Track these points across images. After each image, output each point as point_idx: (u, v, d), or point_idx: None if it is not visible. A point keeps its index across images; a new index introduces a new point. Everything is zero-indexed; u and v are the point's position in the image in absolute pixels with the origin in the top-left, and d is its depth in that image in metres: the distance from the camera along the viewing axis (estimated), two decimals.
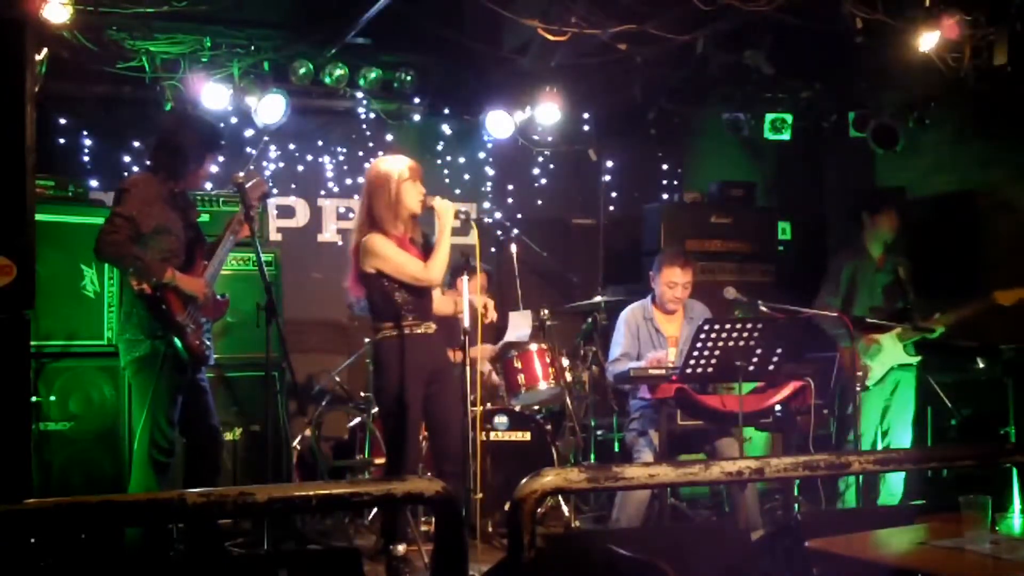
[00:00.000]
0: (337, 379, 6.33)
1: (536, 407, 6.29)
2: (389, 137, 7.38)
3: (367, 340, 6.02)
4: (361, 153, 7.41)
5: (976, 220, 7.10)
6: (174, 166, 4.77)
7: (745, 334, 5.06)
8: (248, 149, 7.00)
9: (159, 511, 2.10)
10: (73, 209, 5.51)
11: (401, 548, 4.80)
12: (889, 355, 5.91)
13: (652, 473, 2.29)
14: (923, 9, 5.37)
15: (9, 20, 3.31)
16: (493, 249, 7.62)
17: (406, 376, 4.70)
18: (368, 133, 7.37)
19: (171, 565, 4.34)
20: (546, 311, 6.31)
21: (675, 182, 8.14)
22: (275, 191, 7.11)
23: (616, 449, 6.56)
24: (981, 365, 6.30)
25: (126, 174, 6.34)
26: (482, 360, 6.23)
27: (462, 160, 7.63)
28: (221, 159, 4.95)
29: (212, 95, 6.34)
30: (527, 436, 5.95)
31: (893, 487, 6.00)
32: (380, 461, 5.74)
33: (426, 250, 4.84)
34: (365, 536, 5.80)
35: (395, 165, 4.81)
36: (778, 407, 5.42)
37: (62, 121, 6.55)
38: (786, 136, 7.71)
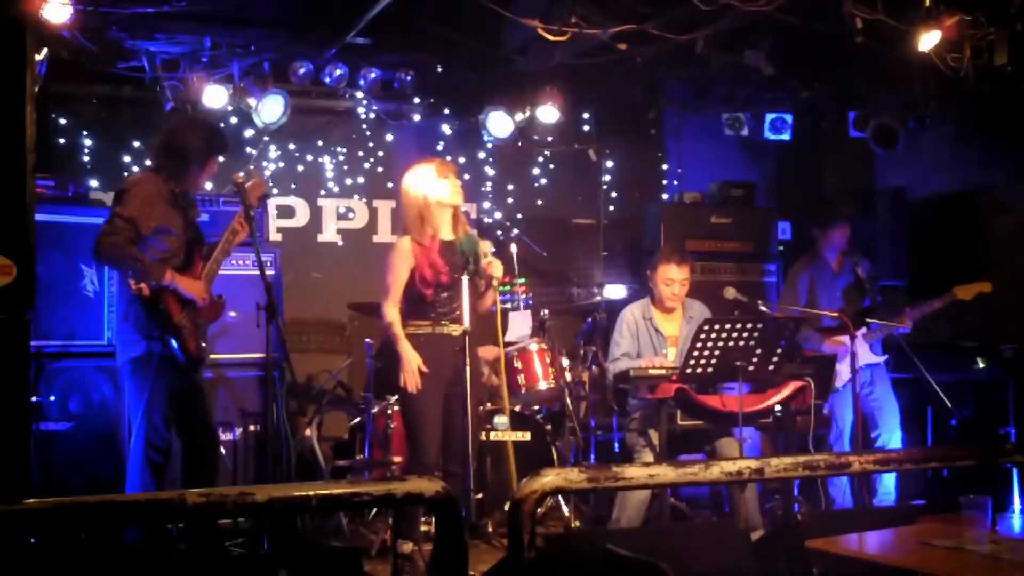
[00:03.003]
0: (337, 379, 6.33)
1: (536, 407, 6.29)
2: (389, 137, 7.38)
3: (367, 340, 6.03)
4: (361, 153, 7.41)
5: (976, 220, 7.10)
6: (176, 167, 4.77)
7: (745, 334, 5.06)
8: (248, 149, 7.00)
9: (159, 511, 2.10)
10: (73, 209, 5.51)
11: (408, 547, 4.81)
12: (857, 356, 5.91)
13: (652, 473, 2.29)
14: (923, 9, 5.37)
15: (9, 20, 3.30)
16: (493, 249, 7.61)
17: (428, 374, 4.76)
18: (368, 133, 7.37)
19: (171, 565, 4.34)
20: (546, 311, 6.31)
21: (675, 182, 8.14)
22: (275, 191, 7.11)
23: (616, 449, 6.56)
24: (981, 365, 6.31)
25: (126, 174, 6.35)
26: (486, 361, 6.24)
27: (462, 160, 7.62)
28: (222, 159, 4.95)
29: (212, 95, 6.34)
30: (527, 436, 5.95)
31: (888, 486, 6.02)
32: (398, 459, 5.76)
33: (453, 260, 4.83)
34: (365, 536, 5.80)
35: (424, 167, 4.89)
36: (778, 407, 5.42)
37: (62, 121, 6.55)
38: (786, 136, 7.73)
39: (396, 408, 5.95)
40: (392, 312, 4.83)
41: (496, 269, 4.78)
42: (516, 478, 5.75)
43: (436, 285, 4.81)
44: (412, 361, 4.76)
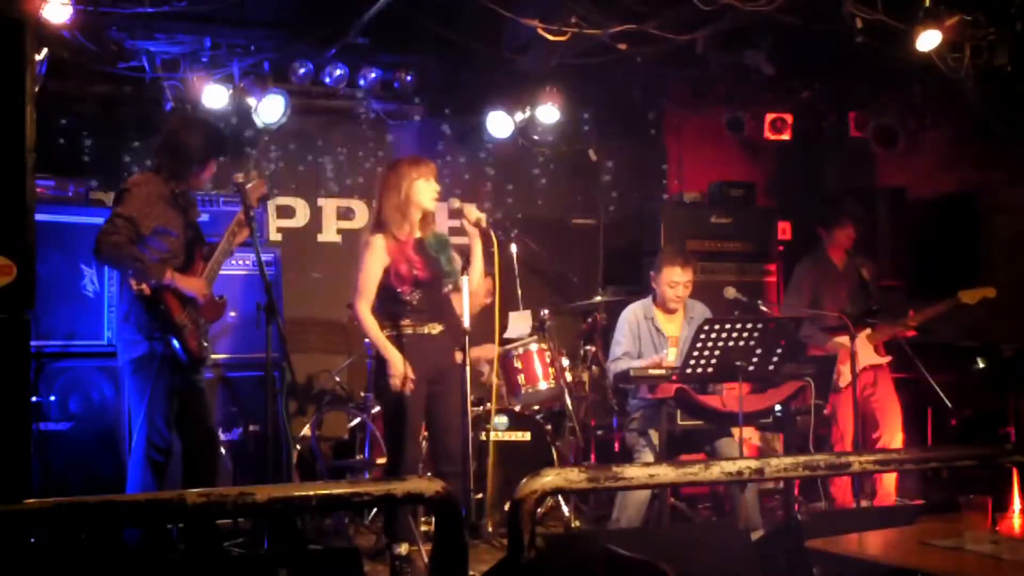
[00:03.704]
0: (337, 379, 6.33)
1: (536, 407, 6.29)
2: (389, 137, 7.38)
3: (367, 340, 6.03)
4: (361, 153, 7.41)
5: (976, 220, 7.10)
6: (177, 167, 4.77)
7: (745, 334, 5.06)
8: (248, 149, 7.00)
9: (159, 511, 2.10)
10: (73, 209, 5.51)
11: (403, 548, 4.81)
12: (859, 357, 5.90)
13: (652, 473, 2.29)
14: (923, 9, 5.37)
15: (9, 20, 3.30)
16: (493, 249, 7.62)
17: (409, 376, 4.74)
18: (368, 133, 7.37)
19: (171, 565, 4.34)
20: (546, 311, 6.31)
21: (675, 182, 8.14)
22: (275, 191, 7.11)
23: (616, 449, 6.56)
24: (981, 365, 6.31)
25: (126, 174, 6.34)
26: (485, 360, 6.23)
27: (462, 160, 7.63)
28: (222, 159, 4.96)
29: (212, 95, 6.34)
30: (527, 436, 5.95)
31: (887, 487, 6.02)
32: (381, 461, 5.75)
33: (427, 256, 4.83)
34: (365, 536, 5.80)
35: (407, 164, 4.88)
36: (778, 407, 5.42)
37: (62, 121, 6.54)
38: (786, 136, 7.73)
39: None
40: (366, 313, 4.79)
41: (473, 213, 4.76)
42: (495, 476, 5.74)
43: (412, 282, 4.80)
44: (398, 363, 4.73)
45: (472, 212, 4.77)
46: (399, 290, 4.79)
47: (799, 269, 6.37)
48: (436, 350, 4.83)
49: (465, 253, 4.87)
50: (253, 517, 5.16)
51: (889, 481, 5.99)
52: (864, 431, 5.85)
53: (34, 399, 5.16)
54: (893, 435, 6.04)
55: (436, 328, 4.84)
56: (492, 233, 4.77)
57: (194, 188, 4.94)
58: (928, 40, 5.43)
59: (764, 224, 7.53)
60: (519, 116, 7.26)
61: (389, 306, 4.83)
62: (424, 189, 4.83)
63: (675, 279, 5.59)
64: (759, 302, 5.90)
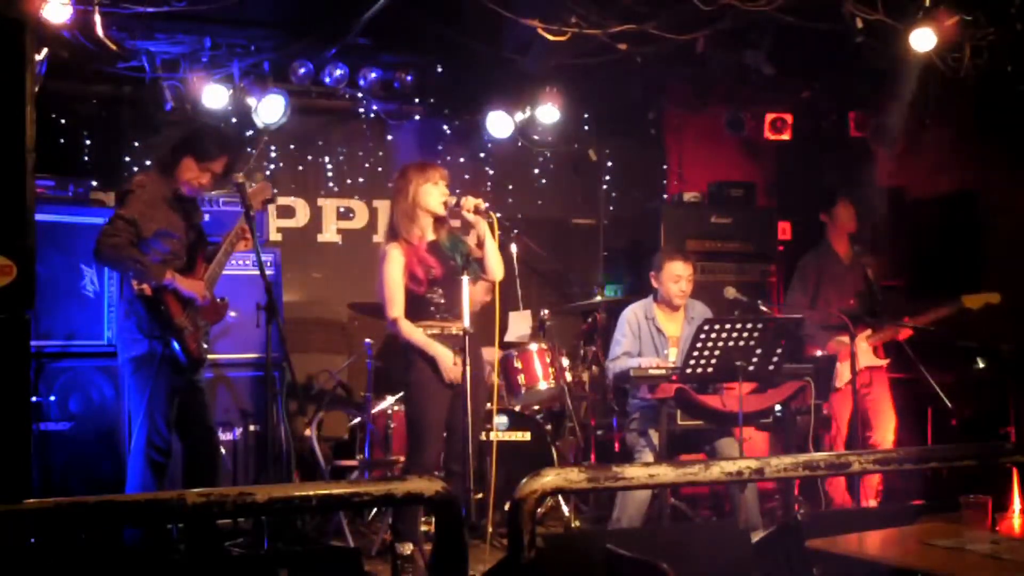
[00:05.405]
0: (337, 379, 6.33)
1: (536, 407, 6.28)
2: (389, 137, 7.38)
3: (367, 340, 6.03)
4: (361, 153, 7.41)
5: (976, 220, 7.10)
6: (169, 164, 4.79)
7: (745, 334, 5.06)
8: (248, 149, 6.99)
9: (159, 511, 2.10)
10: (73, 209, 5.51)
11: (407, 548, 4.81)
12: (858, 357, 5.90)
13: (652, 473, 2.29)
14: (923, 9, 5.37)
15: (9, 20, 3.30)
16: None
17: (436, 376, 4.76)
18: (368, 133, 7.37)
19: (171, 565, 4.34)
20: (546, 311, 6.31)
21: (675, 182, 8.14)
22: (275, 191, 7.10)
23: (616, 449, 6.56)
24: (981, 365, 6.30)
25: (126, 174, 6.35)
26: (487, 360, 6.23)
27: (462, 160, 7.63)
28: (218, 168, 4.91)
29: (212, 95, 6.34)
30: (527, 436, 5.95)
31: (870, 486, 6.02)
32: (399, 459, 5.76)
33: (442, 256, 4.85)
34: (365, 536, 5.80)
35: (414, 170, 4.90)
36: (778, 407, 5.42)
37: (62, 121, 6.54)
38: (786, 136, 7.73)
39: (396, 408, 5.95)
40: (402, 319, 4.80)
41: (469, 202, 4.76)
42: (495, 476, 5.73)
43: (428, 282, 4.80)
44: (447, 357, 4.74)
45: (468, 201, 4.79)
46: (419, 292, 4.80)
47: (802, 263, 6.37)
48: (460, 350, 4.82)
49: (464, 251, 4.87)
50: (253, 517, 5.16)
51: (873, 481, 5.98)
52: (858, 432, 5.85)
53: (34, 399, 5.16)
54: (884, 438, 6.04)
55: (463, 328, 4.83)
56: (492, 213, 4.84)
57: (183, 185, 4.86)
58: (923, 39, 5.43)
59: (764, 224, 7.53)
60: (519, 116, 7.25)
61: (415, 310, 4.83)
62: (431, 193, 4.85)
63: (678, 273, 5.60)
64: (759, 302, 5.90)
